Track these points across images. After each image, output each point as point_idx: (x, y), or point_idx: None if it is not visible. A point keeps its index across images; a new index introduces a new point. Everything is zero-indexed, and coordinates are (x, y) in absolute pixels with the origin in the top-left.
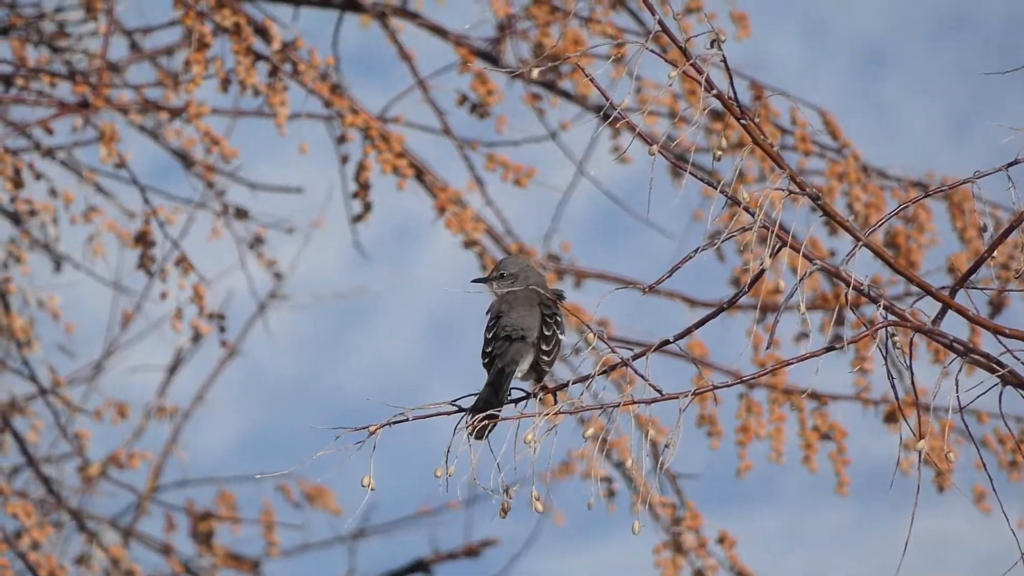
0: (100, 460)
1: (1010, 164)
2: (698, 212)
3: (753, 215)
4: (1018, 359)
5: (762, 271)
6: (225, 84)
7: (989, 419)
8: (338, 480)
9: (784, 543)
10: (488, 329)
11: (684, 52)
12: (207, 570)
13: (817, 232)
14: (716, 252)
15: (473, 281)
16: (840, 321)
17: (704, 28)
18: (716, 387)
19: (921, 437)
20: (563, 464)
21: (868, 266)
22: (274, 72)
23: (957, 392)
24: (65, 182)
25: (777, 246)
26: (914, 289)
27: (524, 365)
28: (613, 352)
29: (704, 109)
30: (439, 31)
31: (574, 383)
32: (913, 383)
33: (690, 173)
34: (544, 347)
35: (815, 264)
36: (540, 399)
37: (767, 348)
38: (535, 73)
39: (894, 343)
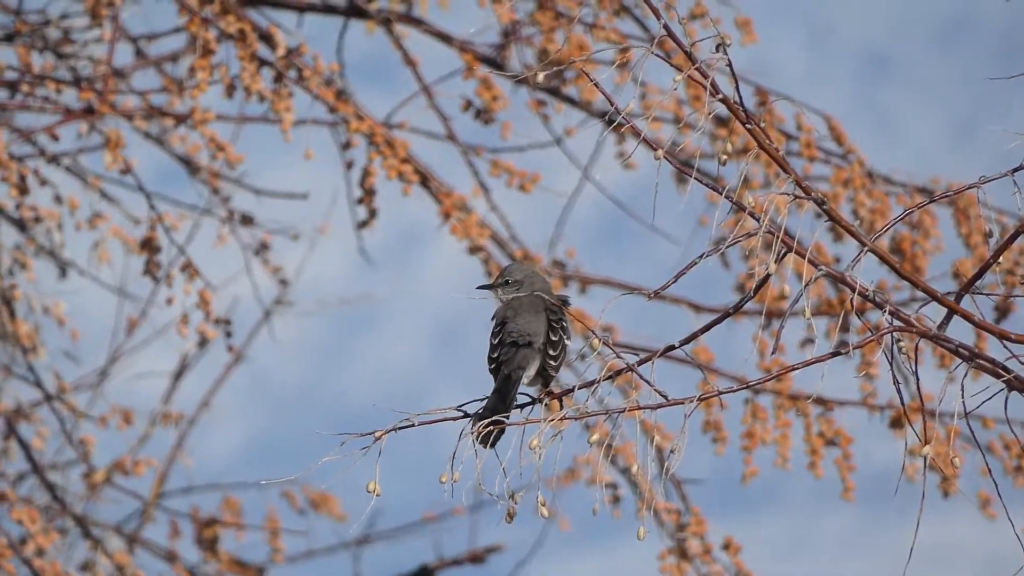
0: (105, 466)
1: (1015, 170)
2: (703, 218)
3: (758, 220)
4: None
5: (767, 276)
6: (230, 90)
7: (995, 424)
8: (343, 486)
9: (789, 549)
10: (494, 335)
11: (689, 56)
12: None
13: (822, 238)
14: (721, 258)
15: (478, 287)
16: (845, 327)
17: (709, 33)
18: (721, 392)
19: (926, 442)
20: (568, 470)
21: (873, 271)
22: (279, 78)
23: (963, 397)
24: (70, 188)
25: (782, 251)
26: (919, 294)
27: (531, 371)
28: (618, 358)
29: (709, 114)
30: (444, 37)
31: (580, 388)
32: (919, 388)
33: (695, 179)
34: (550, 352)
35: (820, 270)
36: (546, 404)
37: (772, 353)
38: (540, 77)
39: (899, 348)
